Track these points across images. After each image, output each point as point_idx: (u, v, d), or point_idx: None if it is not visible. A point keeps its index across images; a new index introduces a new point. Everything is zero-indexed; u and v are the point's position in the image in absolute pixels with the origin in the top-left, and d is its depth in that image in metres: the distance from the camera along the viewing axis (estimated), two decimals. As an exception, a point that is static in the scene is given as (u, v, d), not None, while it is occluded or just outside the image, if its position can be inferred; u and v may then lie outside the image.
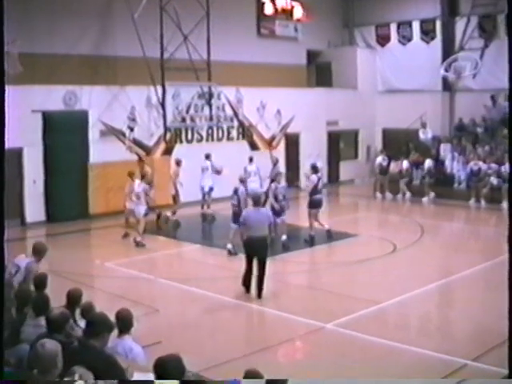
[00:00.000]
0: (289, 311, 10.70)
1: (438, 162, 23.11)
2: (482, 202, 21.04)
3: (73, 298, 7.25)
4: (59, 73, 18.84)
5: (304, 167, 24.85)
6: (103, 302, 10.35)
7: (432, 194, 21.99)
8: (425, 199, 22.07)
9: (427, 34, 26.59)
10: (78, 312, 7.13)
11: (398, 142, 25.36)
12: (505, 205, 19.07)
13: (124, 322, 6.19)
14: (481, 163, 21.70)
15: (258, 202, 11.65)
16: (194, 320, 10.60)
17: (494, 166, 21.43)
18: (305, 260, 14.80)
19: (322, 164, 23.60)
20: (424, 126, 24.98)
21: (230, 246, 14.55)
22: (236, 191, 14.99)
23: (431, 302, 11.69)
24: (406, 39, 27.42)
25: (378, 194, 23.00)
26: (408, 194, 22.61)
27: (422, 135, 24.89)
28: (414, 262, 14.04)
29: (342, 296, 11.62)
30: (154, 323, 10.19)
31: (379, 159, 23.66)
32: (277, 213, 14.55)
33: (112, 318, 6.02)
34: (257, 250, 11.18)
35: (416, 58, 26.46)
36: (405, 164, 22.98)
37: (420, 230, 17.13)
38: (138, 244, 15.63)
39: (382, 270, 13.43)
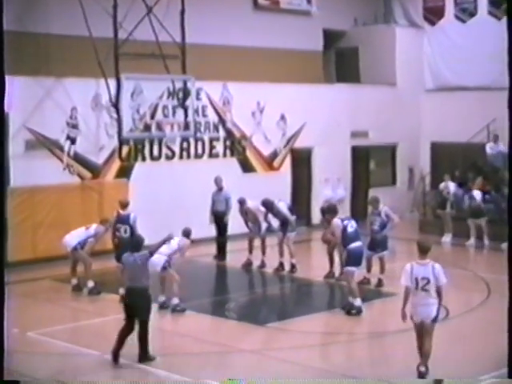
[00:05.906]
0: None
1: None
2: None
3: None
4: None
5: (318, 197, 24.70)
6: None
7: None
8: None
9: (498, 5, 26.11)
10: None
11: (453, 162, 25.38)
12: None
13: None
14: None
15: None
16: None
17: None
18: (315, 329, 14.93)
19: (344, 192, 23.41)
20: (495, 138, 24.88)
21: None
22: None
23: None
24: (466, 14, 27.49)
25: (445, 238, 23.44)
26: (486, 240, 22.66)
27: (490, 152, 24.85)
28: (475, 336, 13.89)
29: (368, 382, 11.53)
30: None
31: (442, 186, 23.89)
32: None
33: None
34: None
35: (481, 41, 26.45)
36: (477, 194, 22.98)
37: (486, 288, 17.19)
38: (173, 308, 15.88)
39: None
